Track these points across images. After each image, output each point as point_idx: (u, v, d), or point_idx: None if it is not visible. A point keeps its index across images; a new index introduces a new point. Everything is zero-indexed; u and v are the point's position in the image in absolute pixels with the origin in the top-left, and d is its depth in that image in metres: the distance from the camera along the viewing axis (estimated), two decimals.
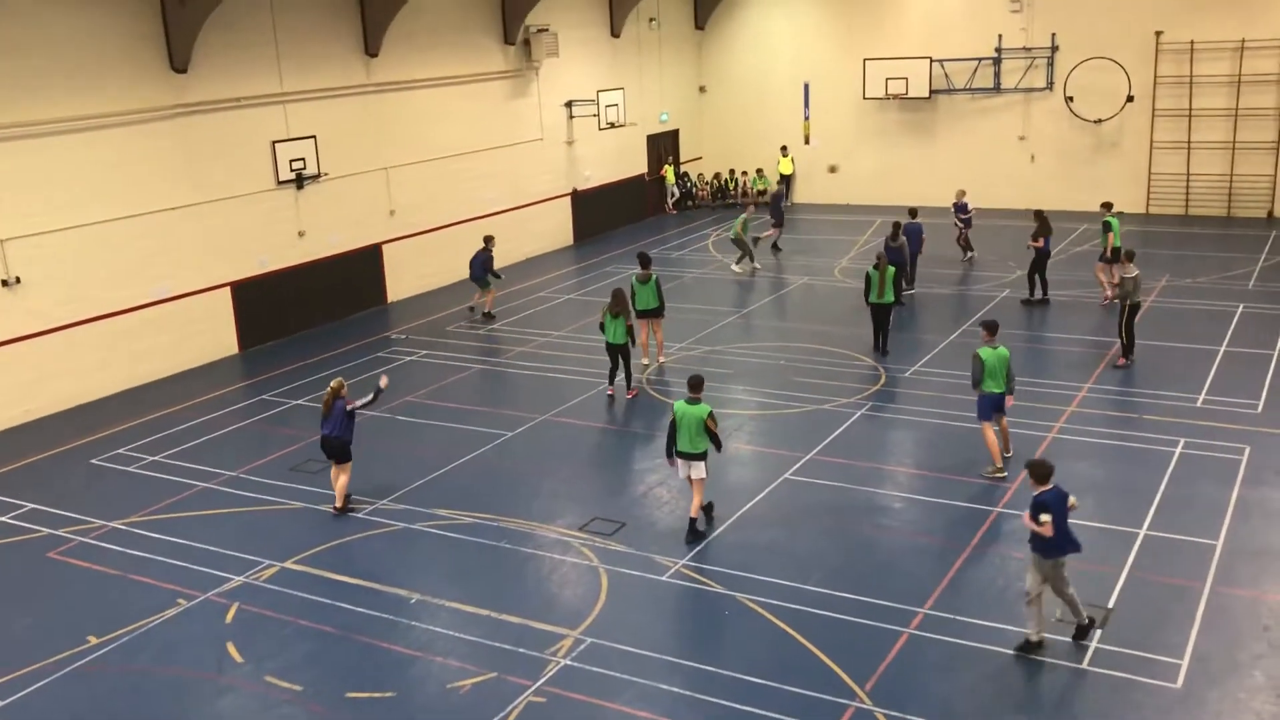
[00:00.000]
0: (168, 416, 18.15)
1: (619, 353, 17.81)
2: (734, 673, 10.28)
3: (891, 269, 19.23)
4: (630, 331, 17.73)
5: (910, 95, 32.58)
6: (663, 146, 35.40)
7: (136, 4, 19.34)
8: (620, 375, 18.13)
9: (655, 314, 19.26)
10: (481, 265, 23.34)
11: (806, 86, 34.94)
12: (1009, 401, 14.51)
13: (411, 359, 20.79)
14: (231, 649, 11.12)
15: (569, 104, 30.49)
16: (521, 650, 10.82)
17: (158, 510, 14.50)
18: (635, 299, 19.07)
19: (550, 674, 10.40)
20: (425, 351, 21.16)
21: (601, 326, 17.80)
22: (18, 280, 17.89)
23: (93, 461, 16.40)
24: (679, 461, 13.10)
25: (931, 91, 32.47)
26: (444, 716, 9.90)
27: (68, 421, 18.15)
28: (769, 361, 19.75)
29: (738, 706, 9.79)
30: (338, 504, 14.09)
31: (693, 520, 13.08)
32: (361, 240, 24.44)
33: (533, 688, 10.18)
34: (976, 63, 31.89)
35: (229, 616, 11.75)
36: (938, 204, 33.09)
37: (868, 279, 19.29)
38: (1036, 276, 22.35)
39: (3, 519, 14.47)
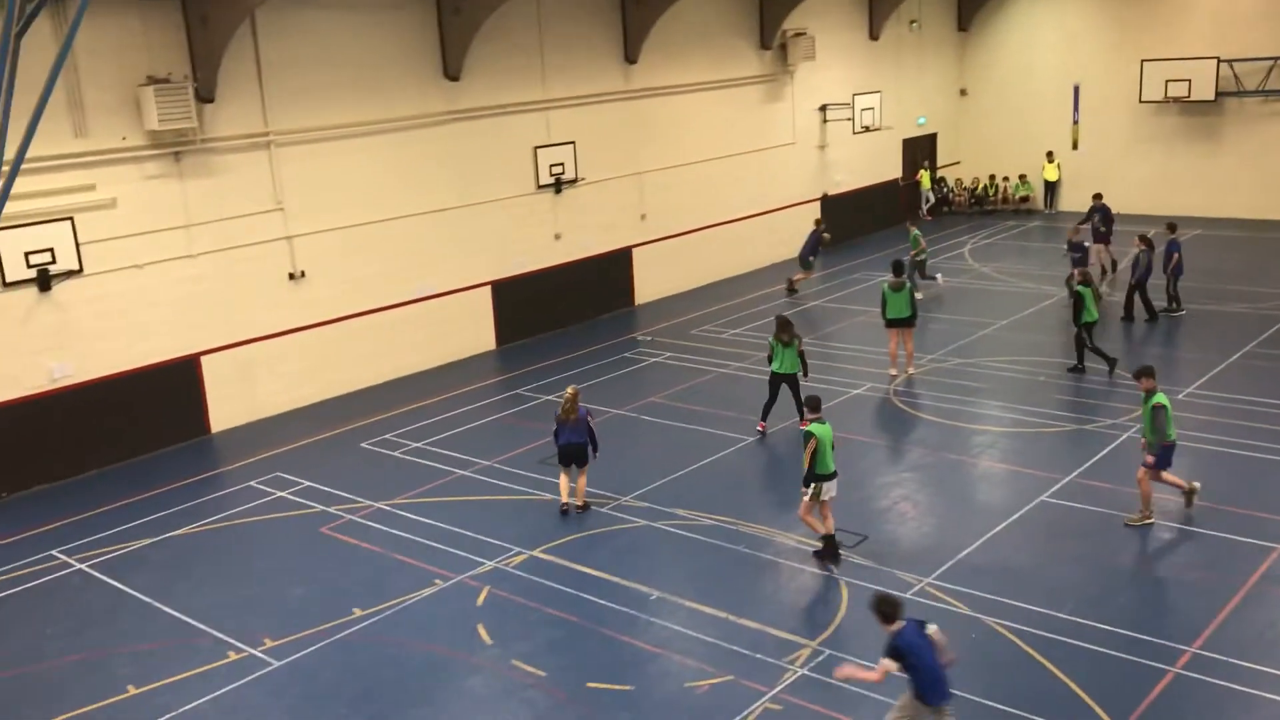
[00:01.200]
0: (430, 406, 19.17)
1: (785, 383, 16.55)
2: (979, 698, 9.85)
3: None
4: (803, 358, 16.49)
5: (1193, 98, 30.39)
6: (919, 151, 34.49)
7: (417, 17, 20.55)
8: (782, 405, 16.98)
9: (907, 323, 18.80)
10: (811, 247, 25.45)
11: (1076, 89, 33.20)
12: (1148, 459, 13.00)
13: (656, 360, 21.12)
14: (482, 630, 11.60)
15: (823, 108, 30.19)
16: (759, 656, 10.76)
17: (419, 494, 15.32)
18: (886, 307, 18.68)
19: (787, 682, 10.29)
20: (670, 354, 21.44)
21: (769, 358, 16.71)
22: (303, 274, 19.36)
23: (362, 445, 17.52)
24: (825, 485, 12.54)
25: (1218, 94, 30.15)
26: (680, 715, 9.97)
27: (341, 407, 19.47)
28: (1026, 377, 18.86)
29: None
30: (579, 503, 14.42)
31: (832, 537, 12.68)
32: (613, 243, 25.04)
33: (769, 694, 10.11)
34: (1271, 62, 29.37)
35: (480, 599, 12.27)
36: (1224, 215, 30.79)
37: (1079, 296, 18.38)
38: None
39: (282, 494, 15.67)
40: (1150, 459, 12.97)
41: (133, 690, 10.80)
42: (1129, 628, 10.87)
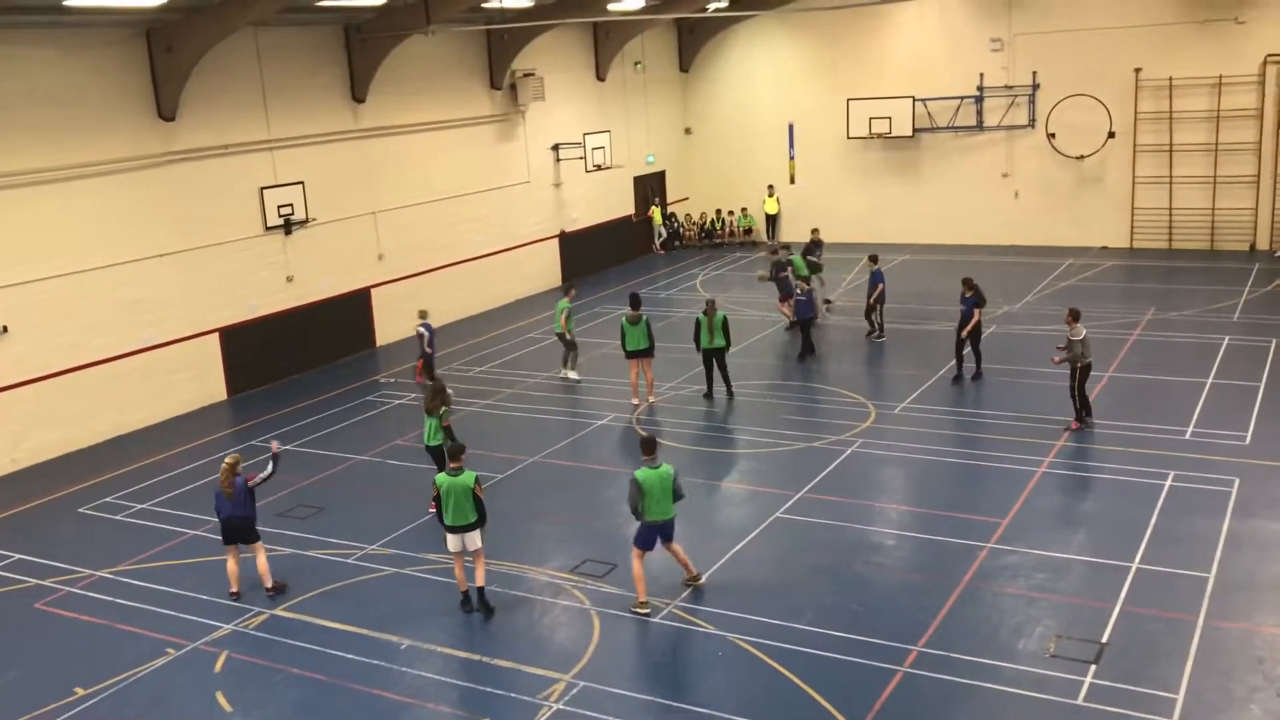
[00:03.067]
0: (156, 464, 18.06)
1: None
2: (729, 714, 10.19)
3: (720, 315, 19.28)
4: (449, 431, 15.35)
5: (894, 134, 32.88)
6: (649, 187, 35.61)
7: (124, 54, 19.46)
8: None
9: (646, 354, 19.33)
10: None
11: (791, 126, 35.24)
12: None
13: (400, 402, 20.77)
14: (221, 698, 11.00)
15: (556, 147, 30.69)
16: (514, 695, 10.73)
17: (146, 559, 14.40)
18: (625, 339, 19.15)
19: (543, 719, 10.30)
20: (414, 395, 21.12)
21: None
22: (4, 329, 17.86)
23: (80, 510, 16.29)
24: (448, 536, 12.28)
25: (915, 130, 32.78)
26: None
27: (55, 470, 18.05)
28: (760, 399, 19.77)
29: None
30: (268, 585, 13.06)
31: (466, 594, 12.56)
32: (350, 285, 24.48)
33: None
34: (959, 101, 32.22)
35: (218, 665, 11.64)
36: (925, 241, 33.36)
37: (697, 324, 19.55)
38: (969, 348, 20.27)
39: None
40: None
41: None
42: (861, 632, 11.54)
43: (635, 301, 19.84)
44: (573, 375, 21.46)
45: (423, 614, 12.57)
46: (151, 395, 20.19)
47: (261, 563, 13.18)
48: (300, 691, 11.06)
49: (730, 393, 19.65)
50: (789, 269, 23.80)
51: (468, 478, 12.13)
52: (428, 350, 21.10)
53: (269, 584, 13.15)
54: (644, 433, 12.58)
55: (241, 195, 21.81)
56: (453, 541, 12.29)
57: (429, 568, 13.68)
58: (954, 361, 20.12)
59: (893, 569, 13.13)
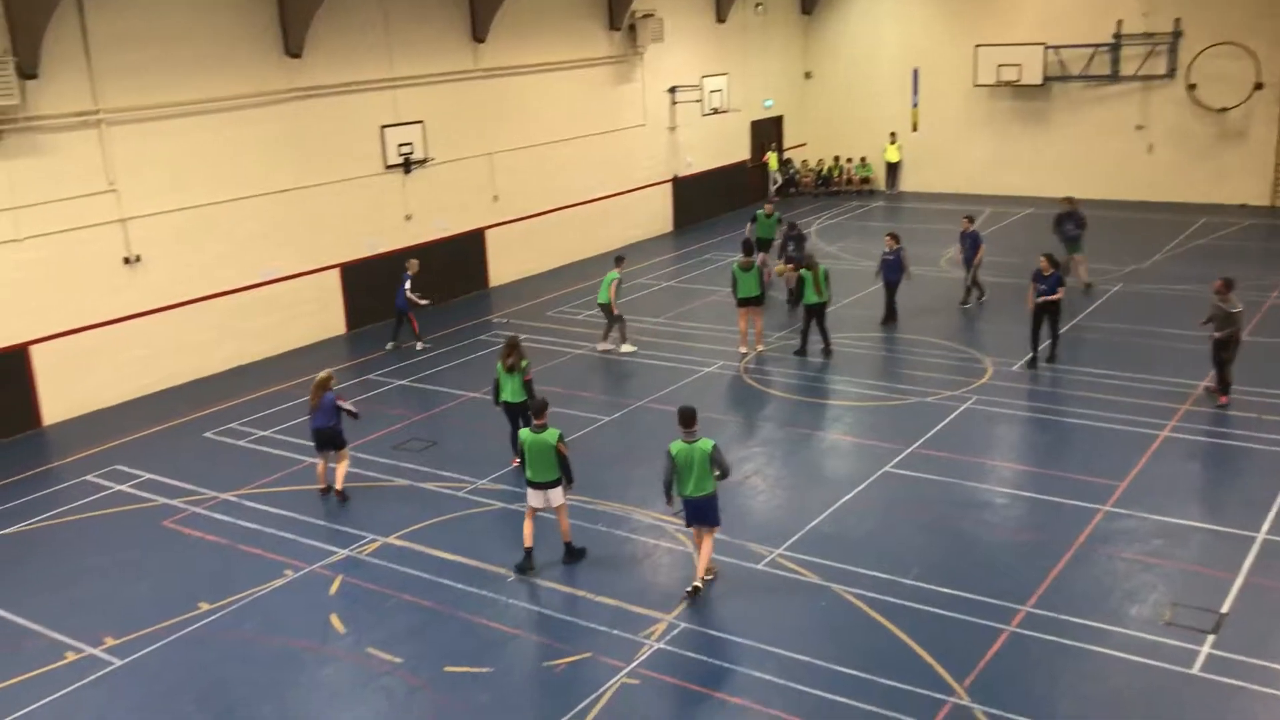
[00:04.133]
0: (278, 393, 18.65)
1: (516, 412, 14.80)
2: (829, 664, 10.18)
3: (822, 269, 18.85)
4: (529, 387, 14.78)
5: (1023, 83, 31.77)
6: (766, 133, 35.13)
7: None
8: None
9: (756, 302, 19.18)
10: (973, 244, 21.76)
11: (915, 73, 34.31)
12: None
13: None
14: (335, 620, 11.39)
15: (672, 90, 30.44)
16: (615, 632, 10.87)
17: (267, 483, 14.92)
18: (737, 287, 19.01)
19: (644, 657, 10.43)
20: (525, 335, 21.32)
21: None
22: (138, 258, 18.56)
23: (206, 435, 16.95)
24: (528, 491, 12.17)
25: (1045, 79, 31.61)
26: (539, 694, 10.00)
27: (184, 396, 18.78)
28: (871, 352, 19.49)
29: (833, 698, 9.70)
30: (338, 488, 14.11)
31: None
32: (465, 225, 24.78)
33: (626, 669, 10.23)
34: (1093, 49, 30.93)
35: (333, 589, 12.05)
36: (1051, 194, 32.34)
37: (800, 281, 19.26)
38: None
39: (122, 488, 15.04)
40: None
41: None
42: (968, 590, 11.38)
43: (749, 248, 19.67)
44: (626, 348, 19.87)
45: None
46: (274, 327, 20.80)
47: (340, 469, 14.21)
48: (410, 617, 11.38)
49: (828, 350, 19.31)
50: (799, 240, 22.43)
51: (550, 435, 11.88)
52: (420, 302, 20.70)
53: (338, 486, 14.11)
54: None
55: (363, 133, 22.17)
56: (534, 497, 12.11)
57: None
58: (1030, 349, 17.97)
59: (1003, 528, 12.89)
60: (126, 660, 10.79)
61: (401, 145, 22.79)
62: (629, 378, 18.67)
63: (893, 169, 35.03)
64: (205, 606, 11.74)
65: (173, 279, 19.13)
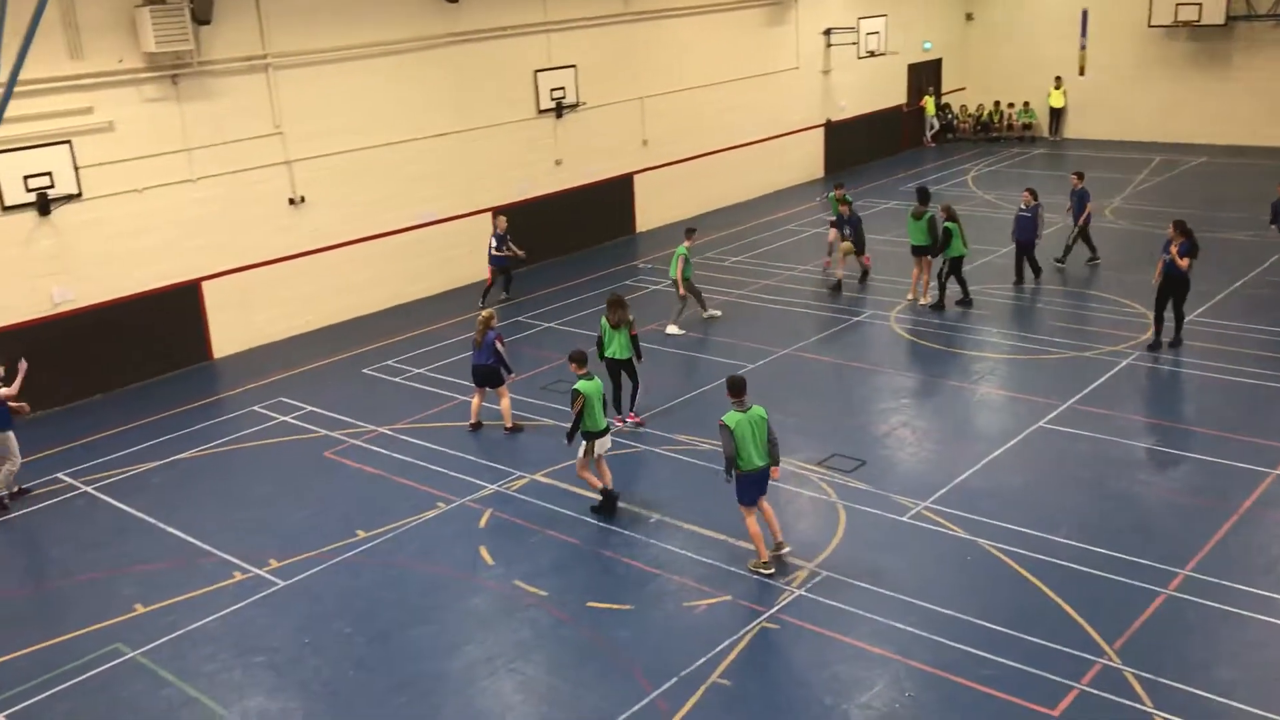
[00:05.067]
0: (433, 332, 19.20)
1: (622, 369, 14.79)
2: (973, 618, 10.02)
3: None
4: (635, 342, 14.67)
5: (1203, 23, 29.93)
6: (924, 76, 34.10)
7: None
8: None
9: (925, 251, 18.80)
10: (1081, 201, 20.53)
11: (1084, 14, 32.69)
12: (774, 474, 11.12)
13: (656, 288, 21.10)
14: (484, 552, 11.76)
15: (828, 32, 29.77)
16: (755, 577, 10.91)
17: (420, 419, 15.40)
18: (909, 234, 18.79)
19: (785, 602, 10.45)
20: (669, 281, 21.38)
21: (599, 341, 14.78)
22: (302, 200, 19.27)
23: (364, 370, 17.58)
24: (597, 441, 12.17)
25: (1228, 18, 29.71)
26: (678, 633, 10.14)
27: (343, 333, 19.50)
28: (1026, 304, 18.87)
29: (976, 652, 9.55)
30: (507, 424, 14.68)
31: (610, 491, 12.43)
32: (614, 170, 24.87)
33: (766, 614, 10.27)
34: None
35: (483, 522, 12.42)
36: (1227, 142, 30.59)
37: (947, 233, 18.46)
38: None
39: (285, 418, 15.77)
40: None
41: (140, 609, 10.98)
42: (1123, 551, 11.00)
43: (923, 195, 19.18)
44: (672, 329, 18.49)
45: (671, 491, 12.92)
46: (430, 268, 21.35)
47: (504, 405, 14.75)
48: (555, 553, 11.66)
49: (968, 301, 18.78)
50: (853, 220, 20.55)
51: (598, 385, 12.26)
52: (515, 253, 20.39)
53: (508, 424, 14.62)
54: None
55: (516, 78, 22.41)
56: (601, 444, 12.27)
57: (678, 448, 13.99)
58: (1152, 327, 16.44)
59: (1163, 489, 12.39)
60: (289, 581, 11.37)
61: (554, 90, 22.96)
62: (774, 325, 18.54)
63: (1056, 114, 33.61)
64: (362, 534, 12.26)
65: (334, 220, 19.80)
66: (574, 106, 23.42)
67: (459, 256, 21.87)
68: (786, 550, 11.21)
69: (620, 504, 12.48)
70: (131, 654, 10.22)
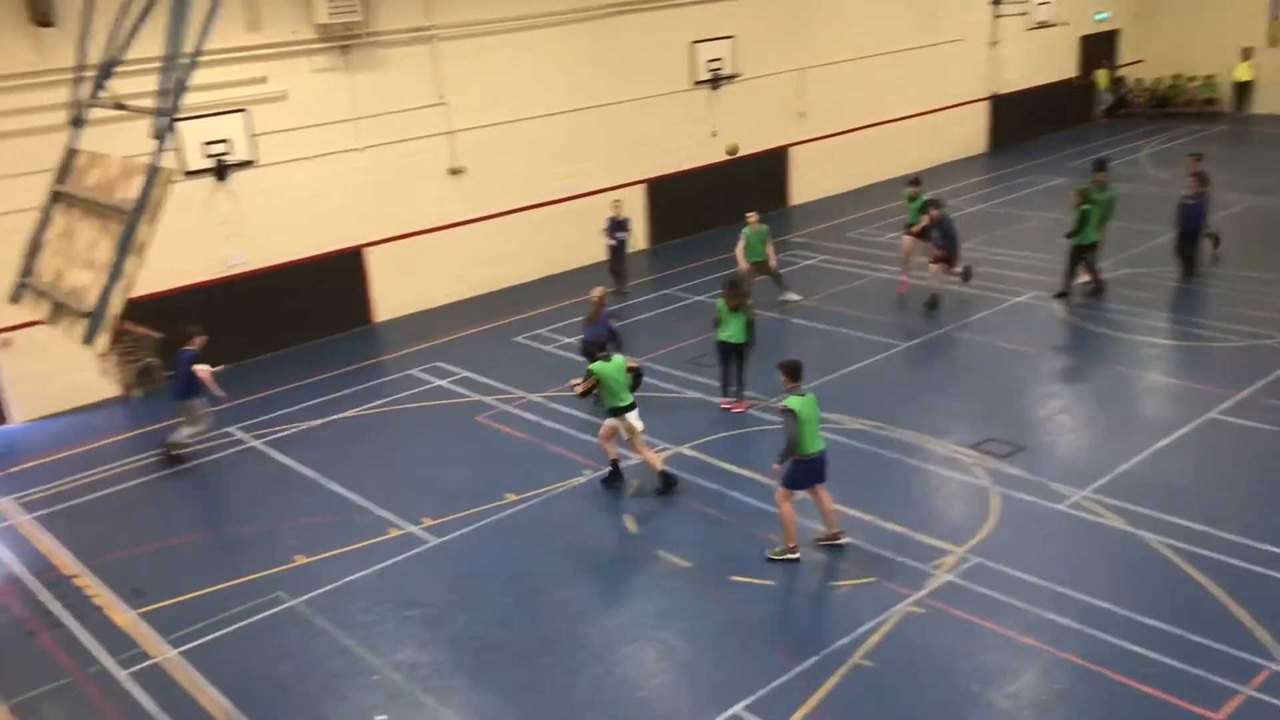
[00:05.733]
0: (583, 304, 19.33)
1: (734, 354, 14.50)
2: (1131, 613, 9.62)
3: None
4: (751, 326, 14.42)
5: None
6: (1097, 48, 32.58)
7: None
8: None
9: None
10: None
11: None
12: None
13: (810, 262, 20.83)
14: (628, 521, 11.87)
15: (996, 1, 28.71)
16: (902, 560, 10.71)
17: (569, 388, 15.56)
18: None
19: (932, 587, 10.23)
20: (824, 256, 21.11)
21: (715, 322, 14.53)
22: (462, 169, 19.69)
23: (515, 339, 17.91)
24: (627, 416, 12.14)
25: None
26: (821, 612, 10.05)
27: (496, 302, 19.89)
28: (1198, 288, 17.92)
29: (1133, 648, 9.17)
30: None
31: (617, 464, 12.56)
32: (769, 142, 24.60)
33: (912, 598, 10.08)
34: None
35: (629, 491, 12.52)
36: None
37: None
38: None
39: (441, 383, 16.20)
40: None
41: (300, 560, 11.48)
42: None
43: (1100, 166, 18.38)
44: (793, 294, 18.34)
45: None
46: (580, 240, 21.49)
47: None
48: (700, 525, 11.68)
49: (1100, 288, 17.79)
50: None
51: (615, 364, 12.24)
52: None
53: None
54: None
55: (673, 49, 22.35)
56: (632, 419, 12.26)
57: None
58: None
59: None
60: (441, 540, 11.71)
61: (711, 61, 22.82)
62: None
63: (1242, 89, 31.67)
64: (512, 497, 12.52)
65: (491, 190, 20.17)
66: (730, 78, 23.24)
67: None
68: (846, 541, 10.98)
69: (765, 479, 12.39)
70: (292, 602, 10.71)
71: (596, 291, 14.91)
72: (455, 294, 20.05)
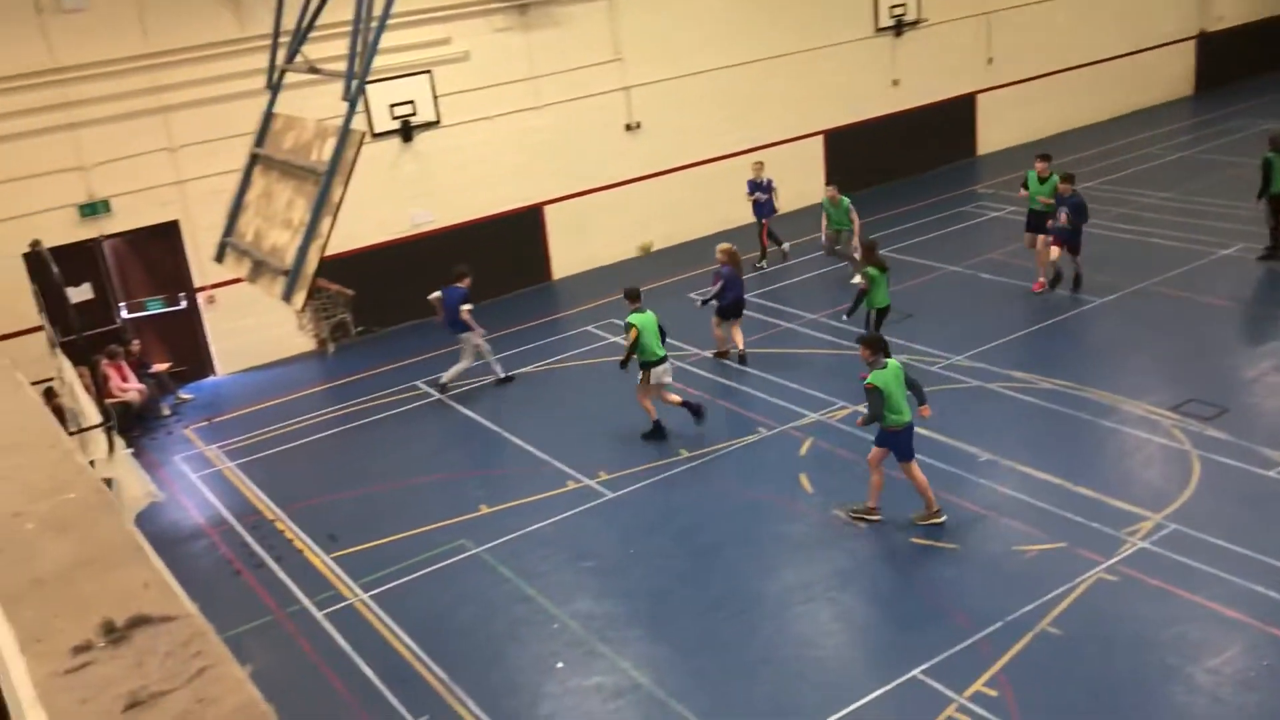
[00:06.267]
0: (754, 259, 19.17)
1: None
2: None
3: None
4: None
5: None
6: None
7: None
8: None
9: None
10: None
11: None
12: (924, 412, 10.72)
13: (998, 215, 20.03)
14: (804, 480, 11.74)
15: None
16: (1095, 525, 10.25)
17: (746, 345, 15.42)
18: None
19: (1125, 554, 9.76)
20: (1013, 209, 20.21)
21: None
22: (638, 125, 19.70)
23: (689, 294, 17.80)
24: (655, 370, 12.67)
25: None
26: (1006, 578, 9.71)
27: (669, 256, 19.87)
28: None
29: None
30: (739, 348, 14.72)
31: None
32: (954, 90, 23.68)
33: (1104, 565, 9.63)
34: None
35: (804, 450, 12.38)
36: None
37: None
38: None
39: (617, 339, 16.30)
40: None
41: (484, 509, 11.82)
42: None
43: None
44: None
45: (1004, 430, 12.34)
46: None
47: (737, 335, 14.85)
48: None
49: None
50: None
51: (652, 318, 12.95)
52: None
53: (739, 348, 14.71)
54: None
55: None
56: (659, 373, 12.78)
57: (1015, 385, 13.31)
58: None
59: None
60: (617, 494, 11.85)
61: (894, 6, 22.09)
62: (1129, 257, 17.12)
63: None
64: (685, 454, 12.56)
65: (667, 145, 20.12)
66: (915, 23, 22.44)
67: (788, 180, 21.64)
68: (941, 519, 10.53)
69: (947, 440, 12.04)
70: (475, 550, 11.05)
71: (725, 246, 14.81)
72: (628, 251, 20.14)
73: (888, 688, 8.45)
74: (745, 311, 15.06)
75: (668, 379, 12.95)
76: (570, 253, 19.54)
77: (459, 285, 14.57)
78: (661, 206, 20.32)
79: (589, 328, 16.94)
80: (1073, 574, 9.56)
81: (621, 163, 19.74)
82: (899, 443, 10.45)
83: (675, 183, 20.41)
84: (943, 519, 10.57)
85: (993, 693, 8.27)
